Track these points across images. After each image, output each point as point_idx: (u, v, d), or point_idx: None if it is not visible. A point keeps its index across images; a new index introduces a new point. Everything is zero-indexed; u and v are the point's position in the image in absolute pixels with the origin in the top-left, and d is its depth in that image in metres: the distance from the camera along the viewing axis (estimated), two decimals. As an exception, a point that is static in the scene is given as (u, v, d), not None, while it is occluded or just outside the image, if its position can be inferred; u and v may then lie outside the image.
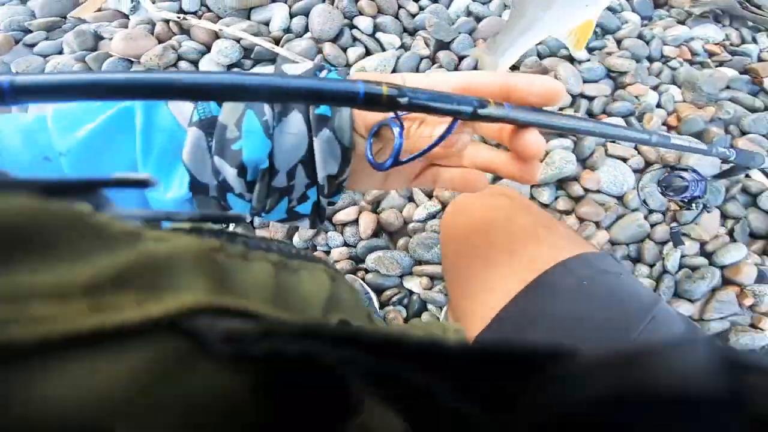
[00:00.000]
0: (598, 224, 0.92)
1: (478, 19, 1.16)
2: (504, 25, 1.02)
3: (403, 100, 0.23)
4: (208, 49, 1.14)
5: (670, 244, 0.90)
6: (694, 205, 0.80)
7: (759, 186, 0.94)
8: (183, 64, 1.13)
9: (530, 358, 0.10)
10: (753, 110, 1.02)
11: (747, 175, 0.97)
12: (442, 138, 0.26)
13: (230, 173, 0.30)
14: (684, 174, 0.76)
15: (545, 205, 0.94)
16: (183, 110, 0.31)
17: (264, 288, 0.15)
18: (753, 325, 0.90)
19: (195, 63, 1.13)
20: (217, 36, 1.15)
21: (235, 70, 1.12)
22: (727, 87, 1.06)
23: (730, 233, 0.92)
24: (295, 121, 0.30)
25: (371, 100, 0.22)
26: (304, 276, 0.17)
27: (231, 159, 0.30)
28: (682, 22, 1.26)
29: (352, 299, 0.20)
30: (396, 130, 0.27)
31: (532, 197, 0.95)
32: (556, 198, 0.95)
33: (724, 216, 0.93)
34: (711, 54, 1.15)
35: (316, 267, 0.18)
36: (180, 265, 0.11)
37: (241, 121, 0.30)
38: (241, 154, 0.29)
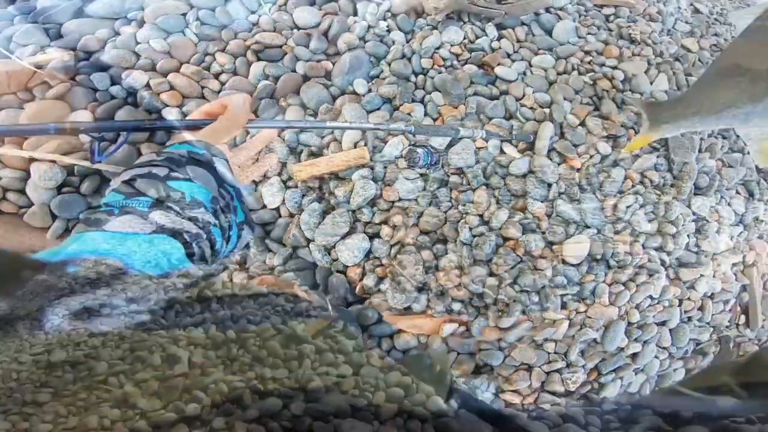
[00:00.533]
0: (407, 226, 1.19)
1: (276, 79, 1.32)
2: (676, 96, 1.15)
3: (83, 128, 0.47)
4: (28, 173, 1.16)
5: (461, 222, 1.20)
6: (431, 169, 1.07)
7: (509, 158, 1.26)
8: (11, 196, 1.16)
9: (486, 417, 0.16)
10: (492, 98, 1.33)
11: (502, 150, 1.29)
12: (124, 141, 0.51)
13: (203, 214, 0.43)
14: (418, 149, 1.02)
15: (367, 223, 1.19)
16: (129, 225, 0.39)
17: (263, 357, 0.19)
18: (535, 268, 1.20)
19: (21, 191, 1.17)
20: (33, 159, 1.18)
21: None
22: (472, 83, 1.35)
23: (498, 201, 1.23)
24: (191, 167, 0.44)
25: (60, 131, 0.46)
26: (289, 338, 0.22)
27: (196, 207, 0.43)
28: (435, 27, 1.51)
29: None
30: (96, 142, 0.49)
31: (356, 219, 1.19)
32: (374, 214, 1.20)
33: (492, 188, 1.24)
34: (457, 56, 1.41)
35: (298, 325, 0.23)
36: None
37: (171, 188, 0.42)
38: (199, 200, 0.43)
